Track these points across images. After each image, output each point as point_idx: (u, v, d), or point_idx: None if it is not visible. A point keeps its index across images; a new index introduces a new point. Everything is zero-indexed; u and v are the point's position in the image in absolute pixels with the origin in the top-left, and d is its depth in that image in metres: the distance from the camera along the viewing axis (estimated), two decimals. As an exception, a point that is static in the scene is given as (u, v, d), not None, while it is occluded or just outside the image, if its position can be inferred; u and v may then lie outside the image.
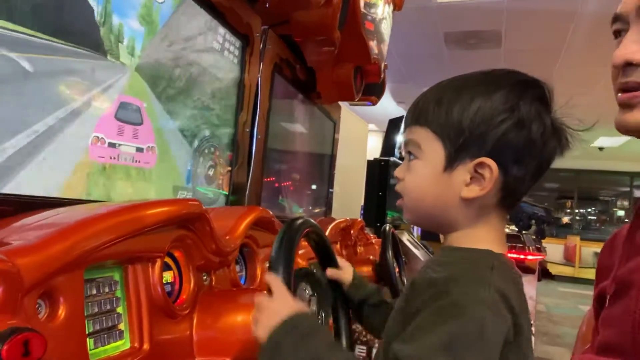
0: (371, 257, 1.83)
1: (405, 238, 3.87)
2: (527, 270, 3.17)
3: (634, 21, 0.63)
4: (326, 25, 1.47)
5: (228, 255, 0.87)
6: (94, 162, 0.85)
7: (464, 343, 0.51)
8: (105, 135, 0.88)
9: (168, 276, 0.77)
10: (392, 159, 3.68)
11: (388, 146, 3.74)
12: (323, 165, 2.25)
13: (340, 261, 0.90)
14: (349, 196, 4.08)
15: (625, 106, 0.64)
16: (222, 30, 1.26)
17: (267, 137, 1.55)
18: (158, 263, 0.71)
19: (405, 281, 1.92)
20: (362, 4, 1.64)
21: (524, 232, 3.78)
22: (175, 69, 1.08)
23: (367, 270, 1.74)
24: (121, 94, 0.91)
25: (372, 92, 2.16)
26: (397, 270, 1.77)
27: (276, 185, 1.75)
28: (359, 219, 2.01)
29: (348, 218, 1.86)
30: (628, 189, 10.53)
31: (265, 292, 0.65)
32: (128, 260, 0.67)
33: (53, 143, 0.76)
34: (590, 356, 0.68)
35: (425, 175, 0.65)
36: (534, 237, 3.84)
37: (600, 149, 8.85)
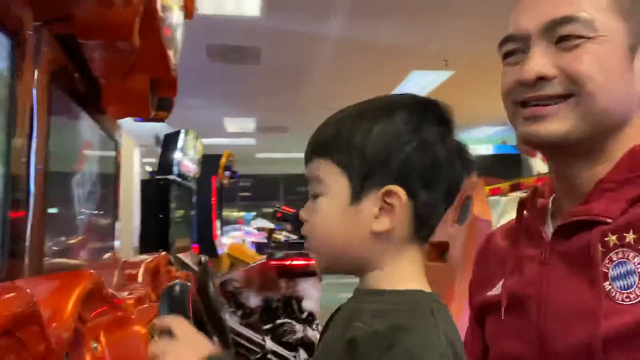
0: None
1: (188, 260, 3.65)
2: (312, 274, 3.38)
3: (536, 40, 0.67)
4: (124, 26, 1.21)
5: (60, 352, 0.59)
6: None
7: None
8: None
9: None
10: (170, 177, 3.41)
11: (165, 163, 3.45)
12: (108, 195, 1.88)
13: None
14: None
15: (537, 118, 0.67)
16: (-20, 21, 0.89)
17: (48, 167, 1.18)
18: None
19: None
20: (159, 6, 1.42)
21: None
22: None
23: (185, 311, 1.51)
24: None
25: (161, 107, 1.92)
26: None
27: (57, 226, 1.36)
28: (163, 253, 1.75)
29: (155, 254, 1.59)
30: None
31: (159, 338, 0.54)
32: None
33: None
34: None
35: (331, 211, 0.59)
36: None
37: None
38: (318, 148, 0.61)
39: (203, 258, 1.58)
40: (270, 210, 13.56)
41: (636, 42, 0.67)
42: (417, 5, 4.26)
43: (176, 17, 1.61)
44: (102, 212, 1.80)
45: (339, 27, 4.72)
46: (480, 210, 1.59)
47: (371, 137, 0.58)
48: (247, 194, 13.43)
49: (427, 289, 0.61)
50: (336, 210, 0.59)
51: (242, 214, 13.12)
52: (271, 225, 9.36)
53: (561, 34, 0.65)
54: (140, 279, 1.21)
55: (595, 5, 0.65)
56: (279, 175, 12.45)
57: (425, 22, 4.59)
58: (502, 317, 0.71)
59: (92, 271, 0.75)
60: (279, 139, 9.22)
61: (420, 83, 5.98)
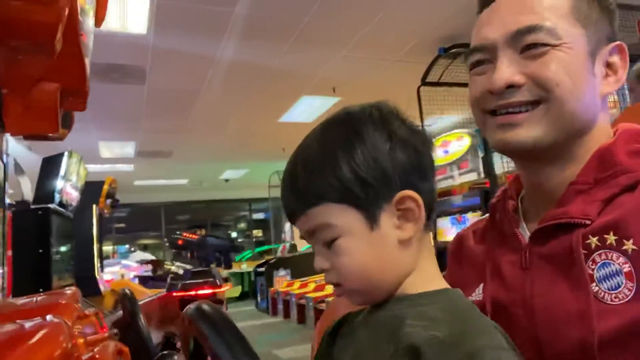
0: (107, 334, 1.40)
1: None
2: (218, 302, 3.20)
3: (503, 49, 0.69)
4: (48, 27, 1.06)
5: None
6: None
7: None
8: None
9: None
10: (52, 206, 3.00)
11: (45, 191, 3.03)
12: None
13: None
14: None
15: (507, 126, 0.69)
16: None
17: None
18: None
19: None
20: (79, 9, 1.27)
21: (211, 265, 3.81)
22: None
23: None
24: None
25: (62, 123, 1.70)
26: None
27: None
28: (73, 288, 1.52)
29: (67, 291, 1.37)
30: (247, 212, 12.44)
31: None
32: None
33: None
34: None
35: (357, 247, 0.58)
36: (219, 267, 3.91)
37: (226, 180, 10.01)
38: (306, 200, 0.59)
39: (127, 290, 1.41)
40: (149, 241, 12.68)
41: (595, 48, 0.70)
42: (308, 35, 4.42)
43: (91, 23, 1.46)
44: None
45: (230, 50, 4.68)
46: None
47: (359, 162, 0.57)
48: (122, 225, 12.39)
49: (446, 284, 0.61)
50: (361, 242, 0.58)
51: (114, 247, 12.05)
52: (153, 257, 8.75)
53: (527, 43, 0.68)
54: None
55: (556, 13, 0.69)
56: (160, 203, 11.69)
57: (315, 51, 4.77)
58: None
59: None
60: (160, 165, 8.71)
61: (309, 108, 6.16)
